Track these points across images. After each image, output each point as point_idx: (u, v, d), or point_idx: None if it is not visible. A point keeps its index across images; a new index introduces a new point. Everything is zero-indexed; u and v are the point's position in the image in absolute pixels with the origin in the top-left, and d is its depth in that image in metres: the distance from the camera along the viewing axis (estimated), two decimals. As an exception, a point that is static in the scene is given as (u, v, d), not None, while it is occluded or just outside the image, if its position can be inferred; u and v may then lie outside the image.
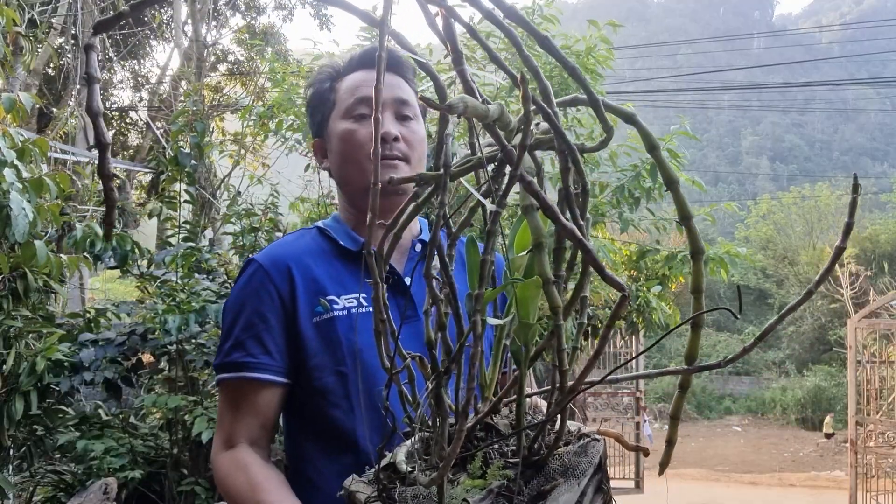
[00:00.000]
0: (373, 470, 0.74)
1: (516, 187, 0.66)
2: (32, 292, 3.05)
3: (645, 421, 18.34)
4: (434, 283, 0.70)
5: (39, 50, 8.33)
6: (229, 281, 3.55)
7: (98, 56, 0.55)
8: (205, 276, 3.73)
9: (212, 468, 1.19)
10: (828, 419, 17.95)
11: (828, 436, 17.64)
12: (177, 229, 4.00)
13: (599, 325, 4.99)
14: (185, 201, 4.01)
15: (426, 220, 1.35)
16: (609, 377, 0.69)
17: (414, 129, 1.25)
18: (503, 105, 0.64)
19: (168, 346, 3.44)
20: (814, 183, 34.21)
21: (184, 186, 3.87)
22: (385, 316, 0.70)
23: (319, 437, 1.18)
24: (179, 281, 3.52)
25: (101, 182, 0.51)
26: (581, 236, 0.58)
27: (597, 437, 0.74)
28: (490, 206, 0.64)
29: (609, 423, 8.01)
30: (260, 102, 7.07)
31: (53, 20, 8.81)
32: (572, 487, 0.66)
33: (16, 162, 2.65)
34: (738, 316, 0.66)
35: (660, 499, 10.67)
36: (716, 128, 75.03)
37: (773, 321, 0.64)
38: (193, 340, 3.48)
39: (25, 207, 2.59)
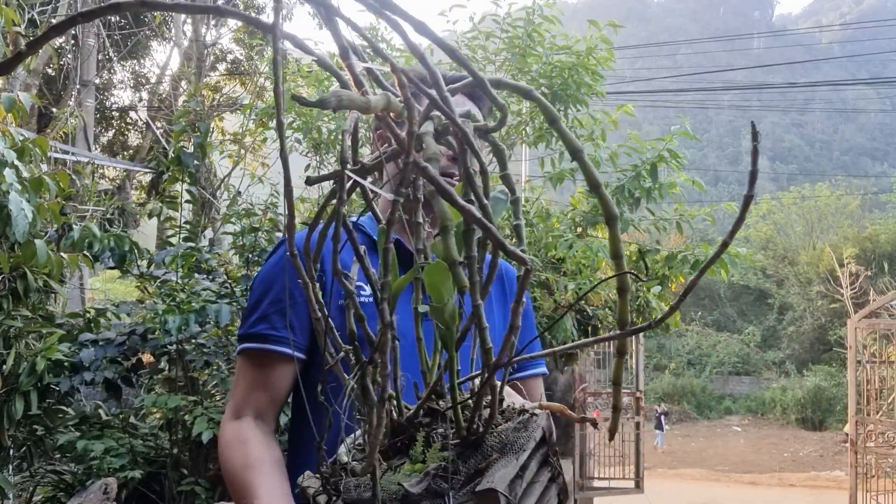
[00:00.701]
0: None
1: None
2: (32, 292, 3.04)
3: (660, 428, 18.11)
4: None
5: (39, 50, 8.32)
6: (229, 281, 3.55)
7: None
8: (205, 276, 3.72)
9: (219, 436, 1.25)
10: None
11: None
12: (177, 229, 4.00)
13: (599, 325, 4.99)
14: (187, 201, 4.01)
15: None
16: (539, 355, 0.72)
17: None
18: (389, 95, 0.64)
19: (168, 346, 3.44)
20: (814, 183, 34.22)
21: (185, 186, 3.87)
22: (319, 315, 0.73)
23: (321, 417, 1.23)
24: (179, 281, 3.52)
25: None
26: (478, 215, 0.60)
27: (537, 412, 0.75)
28: (389, 196, 0.65)
29: (608, 423, 8.00)
30: (260, 101, 7.06)
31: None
32: (510, 462, 0.67)
33: (16, 162, 2.65)
34: (642, 278, 0.68)
35: (660, 499, 10.67)
36: (716, 128, 75.00)
37: (694, 277, 0.67)
38: (193, 340, 3.48)
39: (25, 207, 2.59)
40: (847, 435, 17.83)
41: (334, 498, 0.69)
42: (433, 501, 0.63)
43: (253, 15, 0.61)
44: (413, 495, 0.64)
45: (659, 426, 18.26)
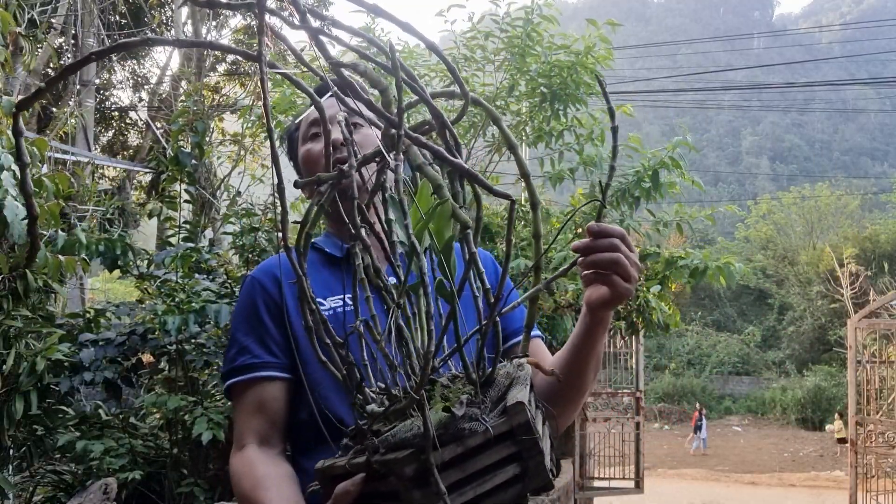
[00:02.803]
0: (340, 452, 0.88)
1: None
2: (32, 292, 3.04)
3: (698, 433, 18.00)
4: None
5: (39, 50, 8.32)
6: (229, 281, 3.55)
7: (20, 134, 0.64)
8: (205, 276, 3.72)
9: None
10: (838, 425, 17.35)
11: (841, 441, 17.24)
12: (177, 229, 4.00)
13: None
14: (185, 201, 4.01)
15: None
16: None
17: (365, 134, 1.37)
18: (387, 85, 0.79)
19: (168, 347, 3.44)
20: (814, 183, 34.19)
21: (184, 186, 3.87)
22: (314, 307, 0.87)
23: (313, 427, 1.24)
24: (179, 281, 3.52)
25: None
26: (462, 164, 0.77)
27: (521, 361, 0.89)
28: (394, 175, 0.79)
29: (609, 423, 8.02)
30: (260, 102, 7.05)
31: (53, 20, 8.81)
32: (522, 389, 0.79)
33: (13, 166, 2.64)
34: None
35: (660, 499, 10.67)
36: (716, 128, 74.99)
37: (563, 269, 0.89)
38: (193, 340, 3.48)
39: (20, 213, 2.58)
40: (835, 434, 17.61)
41: (376, 451, 0.77)
42: (471, 424, 0.74)
43: (240, 48, 0.77)
44: (458, 417, 0.74)
45: (699, 429, 18.10)
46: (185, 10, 11.36)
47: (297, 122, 1.51)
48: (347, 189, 1.19)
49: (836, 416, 17.76)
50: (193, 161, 3.72)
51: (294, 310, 1.28)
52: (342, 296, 1.29)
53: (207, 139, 3.83)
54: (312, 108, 1.41)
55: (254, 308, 1.29)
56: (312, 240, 1.42)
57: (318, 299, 1.24)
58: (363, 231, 1.42)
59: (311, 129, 1.40)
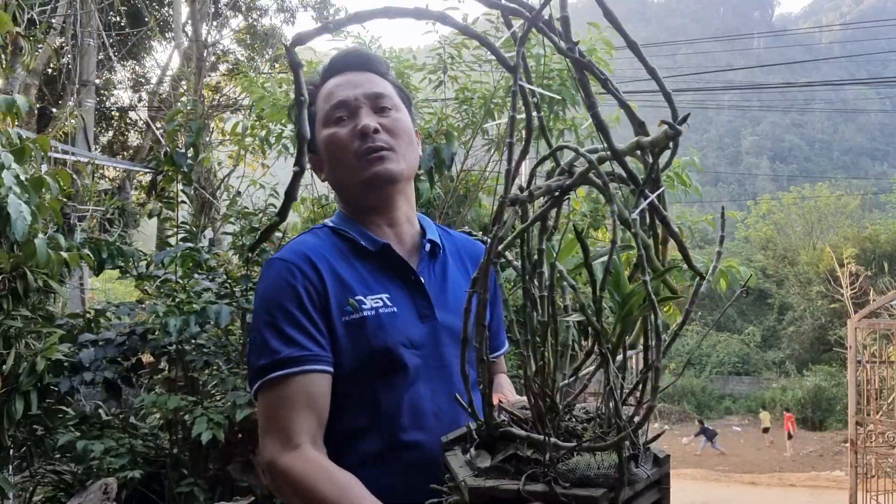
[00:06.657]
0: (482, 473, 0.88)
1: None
2: (32, 292, 3.04)
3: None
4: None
5: (39, 50, 8.33)
6: (229, 281, 3.55)
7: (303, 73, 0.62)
8: (205, 276, 3.72)
9: (273, 472, 1.13)
10: (763, 413, 18.33)
11: (765, 430, 18.07)
12: (175, 229, 4.00)
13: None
14: (182, 202, 4.00)
15: (427, 218, 1.38)
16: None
17: (395, 118, 1.29)
18: None
19: (168, 347, 3.44)
20: (814, 183, 34.21)
21: (180, 186, 3.86)
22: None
23: (344, 424, 1.20)
24: (179, 281, 3.52)
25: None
26: (667, 215, 0.84)
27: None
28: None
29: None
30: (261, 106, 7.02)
31: (53, 20, 8.81)
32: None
33: (13, 165, 2.64)
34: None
35: (660, 499, 10.65)
36: (716, 128, 75.04)
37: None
38: (193, 341, 3.48)
39: (23, 210, 2.59)
40: (764, 430, 18.31)
41: (557, 483, 0.80)
42: (638, 470, 0.82)
43: (501, 51, 0.74)
44: (633, 473, 0.81)
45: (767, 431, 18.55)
46: (185, 10, 11.35)
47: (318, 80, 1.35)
48: (384, 176, 1.22)
49: (760, 408, 19.37)
50: (189, 161, 3.72)
51: (335, 306, 1.19)
52: (380, 295, 1.21)
53: (207, 139, 3.83)
54: (336, 88, 1.29)
55: (295, 294, 1.18)
56: (328, 223, 1.33)
57: (358, 297, 1.19)
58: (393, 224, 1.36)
59: (336, 111, 1.27)
